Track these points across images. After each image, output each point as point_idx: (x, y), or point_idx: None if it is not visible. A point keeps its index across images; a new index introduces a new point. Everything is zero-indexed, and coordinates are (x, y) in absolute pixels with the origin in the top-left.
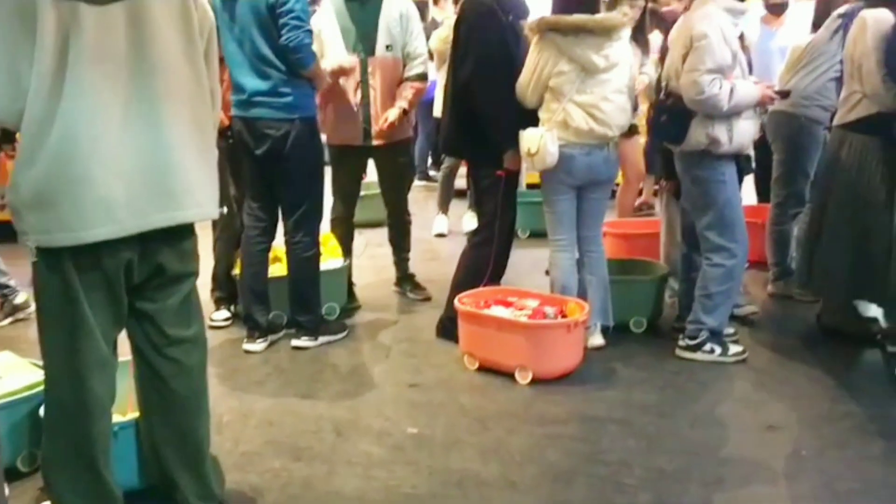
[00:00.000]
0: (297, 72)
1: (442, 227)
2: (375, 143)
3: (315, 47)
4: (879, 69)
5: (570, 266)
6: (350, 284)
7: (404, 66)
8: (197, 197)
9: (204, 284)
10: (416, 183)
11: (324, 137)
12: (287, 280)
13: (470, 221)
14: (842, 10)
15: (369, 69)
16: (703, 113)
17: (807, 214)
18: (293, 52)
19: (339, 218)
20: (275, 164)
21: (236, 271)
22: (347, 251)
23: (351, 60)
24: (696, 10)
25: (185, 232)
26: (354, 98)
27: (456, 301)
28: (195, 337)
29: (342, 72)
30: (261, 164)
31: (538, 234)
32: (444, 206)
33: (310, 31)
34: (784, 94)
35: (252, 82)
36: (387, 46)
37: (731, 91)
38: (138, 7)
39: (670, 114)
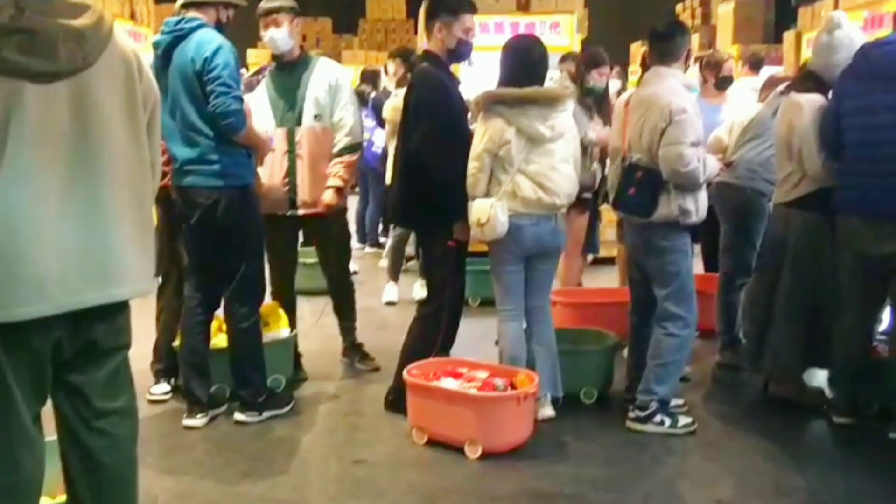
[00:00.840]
0: (229, 138)
1: (392, 296)
2: (301, 212)
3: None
4: (820, 152)
5: (519, 336)
6: (297, 355)
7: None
8: (132, 274)
9: (146, 356)
10: (367, 250)
11: None
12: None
13: (420, 290)
14: (782, 87)
15: (297, 138)
16: (678, 185)
17: (752, 292)
18: (222, 118)
19: (276, 289)
20: (208, 233)
21: (177, 343)
22: (290, 322)
23: (266, 133)
24: (657, 85)
25: (118, 307)
26: (281, 167)
27: (404, 373)
28: (125, 408)
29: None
30: (196, 233)
31: (489, 303)
32: (393, 275)
33: (239, 97)
34: (728, 165)
35: (183, 151)
36: (315, 116)
37: (704, 164)
38: (82, 85)
39: (639, 187)
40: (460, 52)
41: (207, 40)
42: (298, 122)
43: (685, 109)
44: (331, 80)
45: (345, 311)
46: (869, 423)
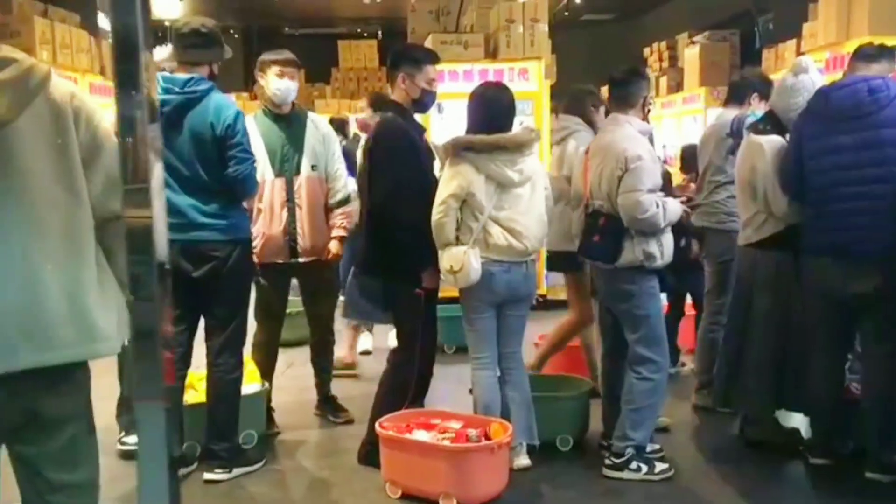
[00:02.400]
0: (239, 198)
1: (366, 344)
2: (302, 260)
3: None
4: (785, 192)
5: (493, 384)
6: (269, 409)
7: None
8: (58, 338)
9: (111, 412)
10: (341, 299)
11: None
12: (204, 407)
13: (394, 338)
14: (727, 129)
15: (295, 188)
16: (639, 231)
17: (724, 334)
18: (241, 183)
19: (263, 342)
20: (209, 286)
21: None
22: (268, 375)
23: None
24: (614, 133)
25: (62, 372)
26: (281, 216)
27: (377, 426)
28: (83, 482)
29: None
30: (192, 287)
31: (465, 349)
32: (365, 324)
33: (254, 162)
34: (693, 208)
35: (194, 207)
36: (312, 166)
37: (664, 208)
38: (8, 135)
39: (602, 233)
40: (424, 101)
41: (225, 105)
42: (297, 172)
43: (640, 156)
44: (324, 131)
45: (322, 361)
46: (845, 464)
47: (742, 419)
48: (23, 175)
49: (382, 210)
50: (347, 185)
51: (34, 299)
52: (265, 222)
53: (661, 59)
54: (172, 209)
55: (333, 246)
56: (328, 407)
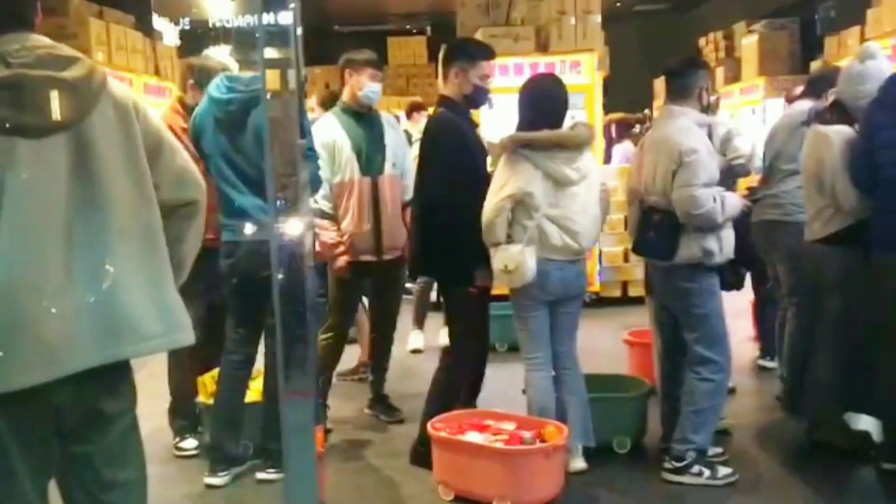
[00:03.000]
0: None
1: (418, 343)
2: (387, 257)
3: (325, 157)
4: (854, 185)
5: (547, 385)
6: (324, 406)
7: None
8: (144, 330)
9: (163, 412)
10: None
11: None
12: (259, 405)
13: (445, 337)
14: (803, 118)
15: (380, 186)
16: (695, 227)
17: (789, 335)
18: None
19: (332, 336)
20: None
21: (201, 398)
22: (329, 370)
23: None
24: (668, 125)
25: (120, 368)
26: (368, 214)
27: (429, 426)
28: (134, 479)
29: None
30: (257, 287)
31: (517, 347)
32: (419, 322)
33: (318, 160)
34: (755, 201)
35: (256, 205)
36: (393, 165)
37: (723, 203)
38: (80, 137)
39: (658, 229)
40: (477, 98)
41: None
42: (380, 171)
43: (695, 150)
44: (398, 130)
45: (381, 359)
46: None
47: (809, 422)
48: (100, 172)
49: (434, 207)
50: None
51: (114, 301)
52: (353, 220)
53: (717, 50)
54: (238, 211)
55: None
56: (380, 406)
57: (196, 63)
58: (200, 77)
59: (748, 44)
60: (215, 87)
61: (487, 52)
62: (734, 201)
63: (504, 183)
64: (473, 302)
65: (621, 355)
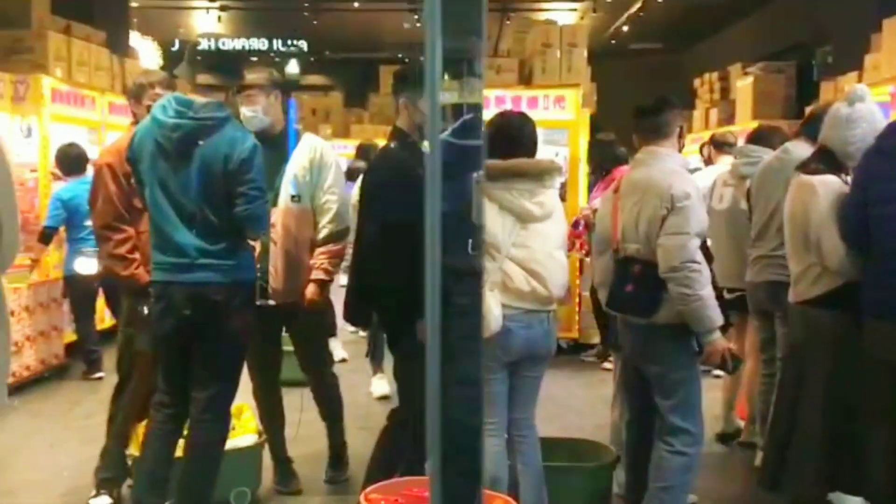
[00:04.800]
0: (245, 236)
1: (382, 389)
2: (272, 303)
3: None
4: (844, 242)
5: (501, 454)
6: (286, 461)
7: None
8: None
9: (93, 459)
10: (362, 334)
11: None
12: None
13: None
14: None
15: (271, 220)
16: (674, 283)
17: (773, 406)
18: (250, 221)
19: (258, 388)
20: (207, 331)
21: (131, 450)
22: (273, 422)
23: None
24: (654, 168)
25: None
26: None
27: (361, 498)
28: None
29: None
30: (189, 333)
31: None
32: (377, 365)
33: (267, 201)
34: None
35: (196, 244)
36: (292, 197)
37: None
38: None
39: (638, 283)
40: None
41: (241, 138)
42: (274, 203)
43: (689, 195)
44: (312, 157)
45: (327, 413)
46: None
47: (791, 501)
48: None
49: (370, 253)
50: (341, 220)
51: None
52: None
53: (711, 91)
54: (172, 247)
55: (309, 290)
56: (334, 463)
57: (137, 79)
58: (136, 91)
59: (743, 86)
60: (161, 109)
61: None
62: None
63: None
64: (417, 358)
65: (599, 412)
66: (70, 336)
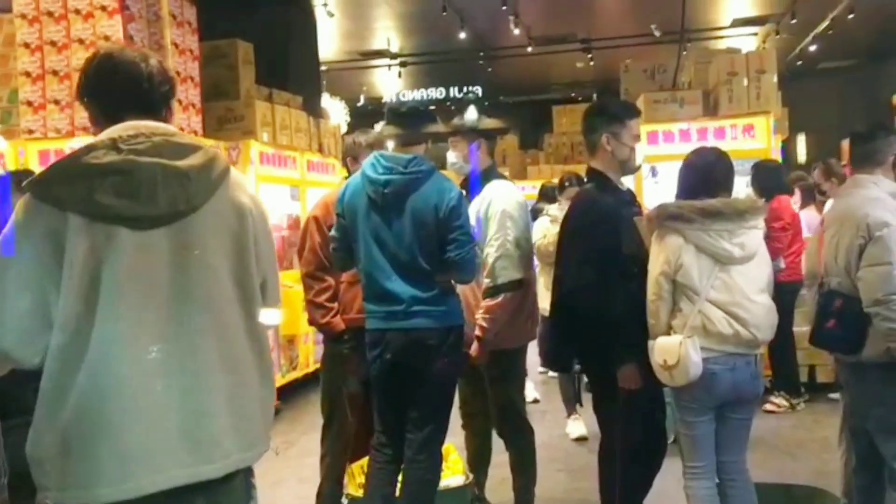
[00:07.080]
0: (458, 282)
1: (579, 430)
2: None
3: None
4: None
5: (711, 497)
6: (480, 499)
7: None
8: (225, 446)
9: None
10: (552, 375)
11: None
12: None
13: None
14: None
15: None
16: (881, 318)
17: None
18: (463, 266)
19: (468, 430)
20: (420, 375)
21: (349, 489)
22: (482, 465)
23: None
24: (854, 196)
25: (219, 481)
26: None
27: None
28: None
29: None
30: (403, 377)
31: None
32: (570, 407)
33: (475, 245)
34: None
35: (409, 291)
36: None
37: None
38: (186, 232)
39: (840, 318)
40: (632, 161)
41: (448, 188)
42: None
43: (887, 223)
44: (480, 208)
45: (517, 467)
46: None
47: None
48: (202, 271)
49: (571, 298)
50: (498, 274)
51: (198, 407)
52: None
53: None
54: (387, 296)
55: (472, 349)
56: None
57: (347, 139)
58: (354, 151)
59: None
60: (370, 166)
61: (634, 110)
62: None
63: (654, 261)
64: (622, 405)
65: (815, 454)
66: (281, 380)
